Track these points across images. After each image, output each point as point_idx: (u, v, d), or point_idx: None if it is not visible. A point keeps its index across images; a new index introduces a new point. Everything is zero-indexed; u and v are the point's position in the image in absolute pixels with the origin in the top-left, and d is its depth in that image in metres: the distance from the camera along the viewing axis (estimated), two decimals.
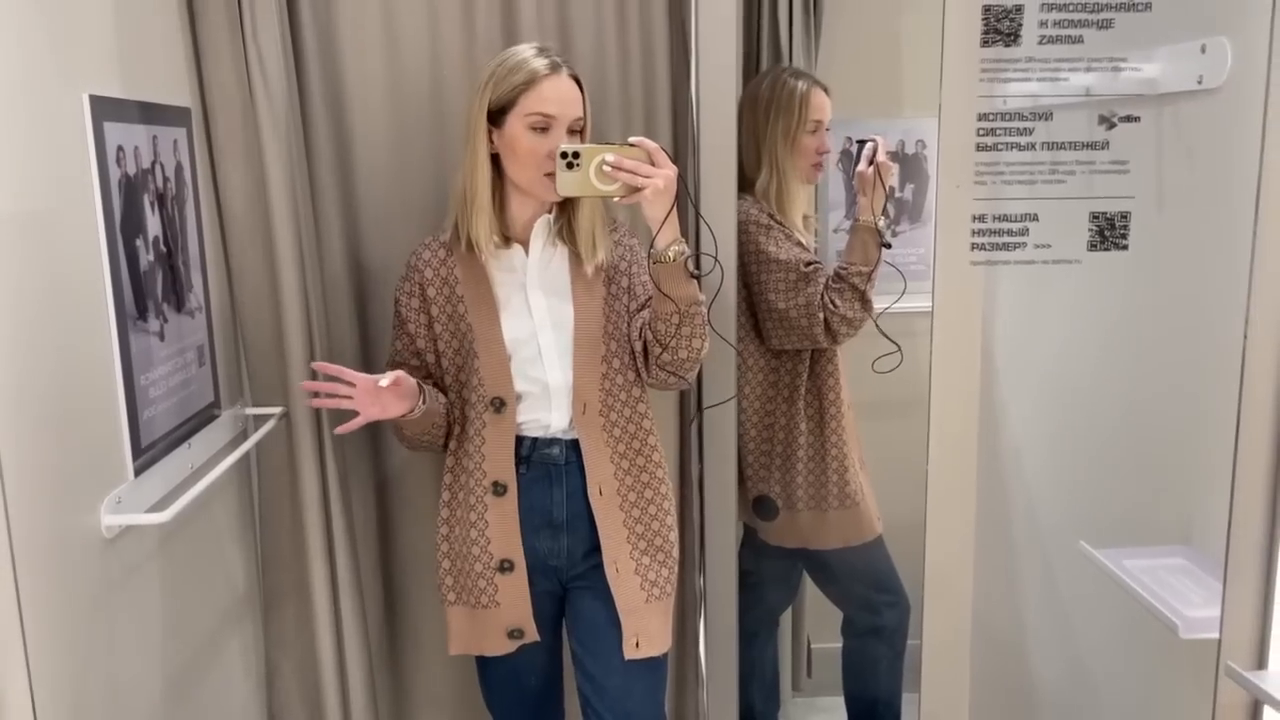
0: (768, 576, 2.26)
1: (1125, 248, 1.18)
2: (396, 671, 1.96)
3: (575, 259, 1.60)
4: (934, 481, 1.75)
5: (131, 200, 1.30)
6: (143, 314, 1.32)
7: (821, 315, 1.91)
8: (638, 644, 1.61)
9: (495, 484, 1.58)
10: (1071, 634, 1.39)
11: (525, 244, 1.59)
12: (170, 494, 1.36)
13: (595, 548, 1.61)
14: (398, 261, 1.77)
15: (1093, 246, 1.19)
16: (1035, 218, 1.23)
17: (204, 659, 1.53)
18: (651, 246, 1.48)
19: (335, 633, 1.77)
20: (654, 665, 1.67)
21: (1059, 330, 1.39)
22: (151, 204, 1.36)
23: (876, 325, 1.94)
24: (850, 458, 2.09)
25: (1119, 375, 1.26)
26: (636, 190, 1.41)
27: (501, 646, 1.62)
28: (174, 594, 1.42)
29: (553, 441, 1.61)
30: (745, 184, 2.03)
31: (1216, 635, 0.91)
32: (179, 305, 1.45)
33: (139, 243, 1.32)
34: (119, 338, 1.25)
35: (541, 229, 1.59)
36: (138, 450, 1.30)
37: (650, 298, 1.57)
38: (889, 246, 1.92)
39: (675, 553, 1.68)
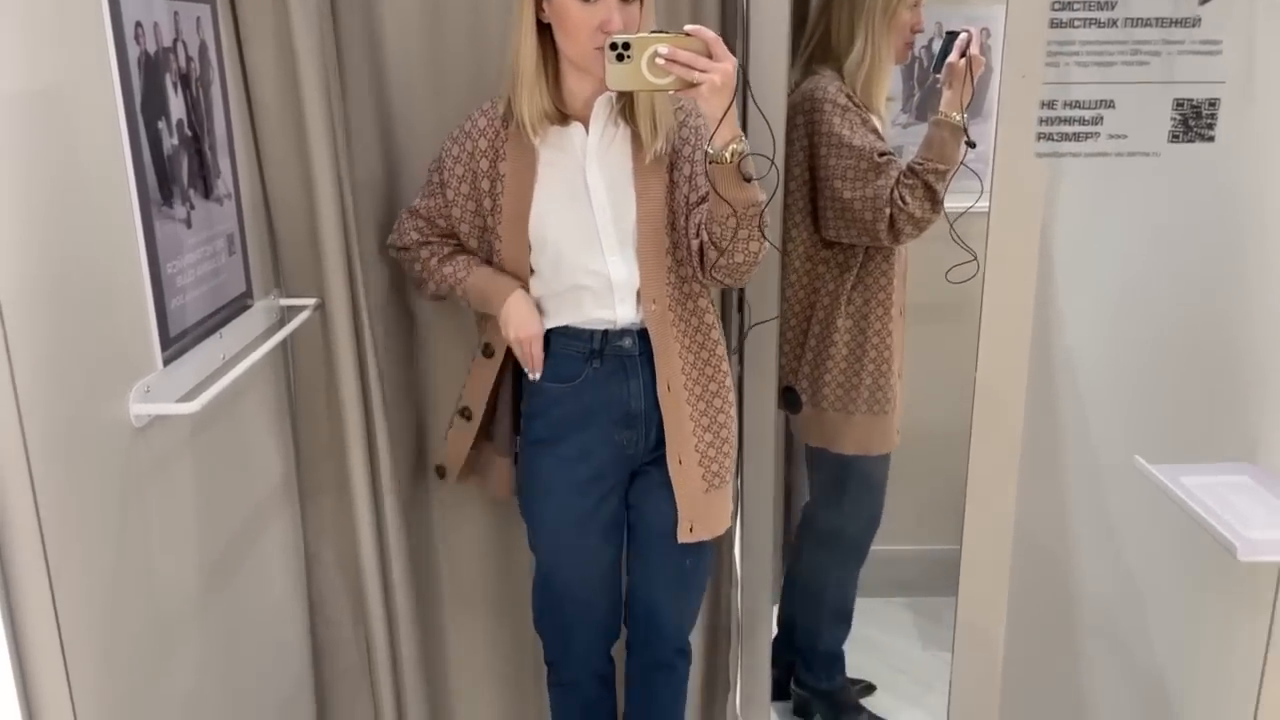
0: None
1: (1211, 139, 1.08)
2: (432, 572, 1.97)
3: (638, 141, 1.53)
4: (982, 387, 1.69)
5: (152, 80, 1.25)
6: (168, 199, 1.29)
7: (888, 211, 1.82)
8: (692, 529, 1.66)
9: (485, 346, 1.68)
10: (1119, 550, 1.34)
11: (586, 122, 1.52)
12: (201, 384, 1.35)
13: (664, 438, 1.63)
14: (429, 153, 1.71)
15: (1174, 138, 1.09)
16: (1111, 104, 1.12)
17: (241, 549, 1.54)
18: (708, 145, 1.39)
19: (376, 526, 1.78)
20: (702, 554, 1.75)
21: (1126, 231, 1.31)
22: (174, 84, 1.31)
23: (952, 231, 1.83)
24: (890, 365, 2.03)
25: (1190, 281, 1.18)
26: (692, 85, 1.32)
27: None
28: (208, 484, 1.43)
29: (624, 333, 1.59)
30: (827, 57, 1.94)
31: (1278, 559, 0.86)
32: (207, 192, 1.42)
33: (161, 125, 1.27)
34: (143, 223, 1.22)
35: (603, 107, 1.51)
36: (166, 339, 1.28)
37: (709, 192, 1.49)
38: (973, 146, 1.79)
39: (735, 439, 1.72)
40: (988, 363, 1.67)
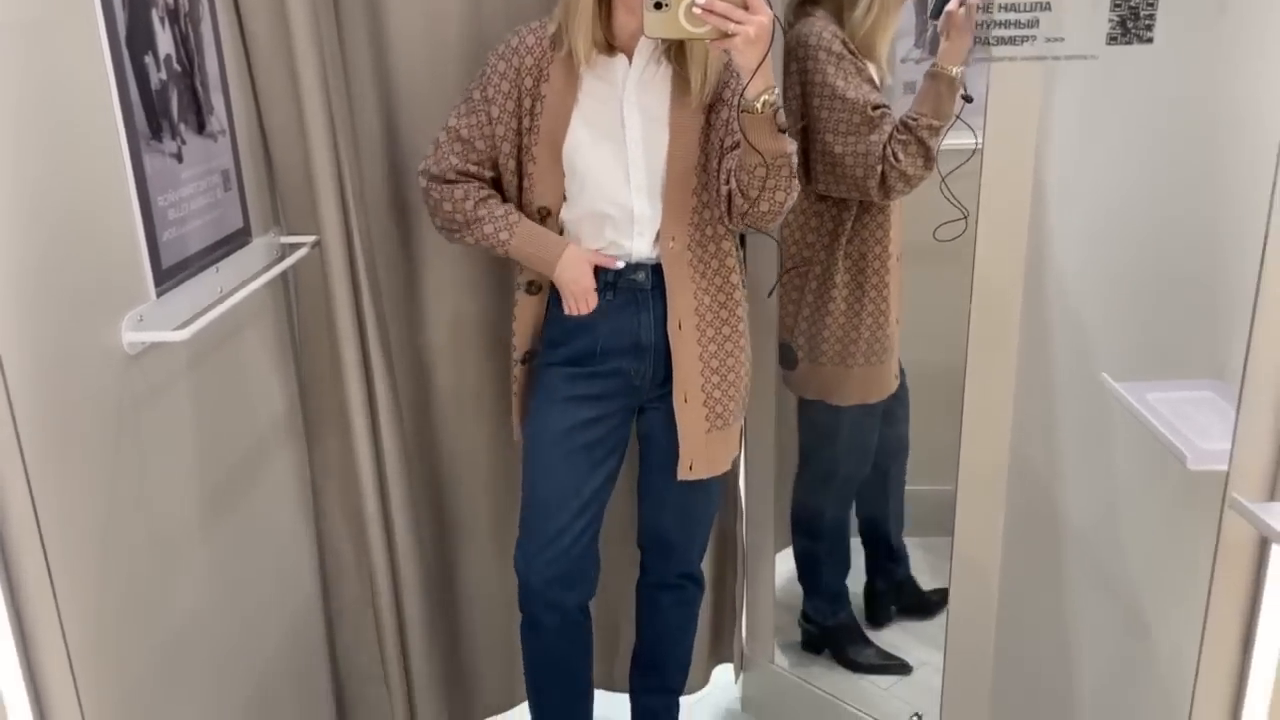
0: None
1: (1150, 40, 1.06)
2: (438, 501, 2.02)
3: (679, 81, 1.55)
4: (977, 321, 1.68)
5: (138, 15, 1.28)
6: (157, 134, 1.32)
7: (880, 168, 1.77)
8: (691, 467, 1.69)
9: (529, 284, 1.67)
10: (1102, 474, 1.34)
11: (631, 55, 1.54)
12: (197, 316, 1.39)
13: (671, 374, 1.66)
14: (427, 86, 1.73)
15: (1112, 39, 1.07)
16: (1046, 6, 1.09)
17: (244, 481, 1.59)
18: (741, 95, 1.42)
19: (375, 459, 1.82)
20: (707, 489, 1.78)
21: (1111, 140, 1.29)
22: (161, 19, 1.34)
23: (944, 186, 1.77)
24: (889, 315, 2.00)
25: (1157, 194, 1.16)
26: (727, 35, 1.34)
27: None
28: (208, 416, 1.47)
29: (638, 267, 1.61)
30: None
31: (1225, 468, 0.86)
32: (200, 127, 1.44)
33: (148, 60, 1.30)
34: (131, 156, 1.25)
35: (647, 43, 1.53)
36: (159, 271, 1.32)
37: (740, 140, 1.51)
38: (970, 100, 1.70)
39: (747, 381, 1.74)
40: (983, 297, 1.66)
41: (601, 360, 1.66)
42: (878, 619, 2.40)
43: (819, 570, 2.31)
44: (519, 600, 1.79)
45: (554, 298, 1.67)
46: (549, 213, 1.62)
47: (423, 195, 1.66)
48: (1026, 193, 1.49)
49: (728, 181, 1.55)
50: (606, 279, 1.62)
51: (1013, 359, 1.65)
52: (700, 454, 1.69)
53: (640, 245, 1.61)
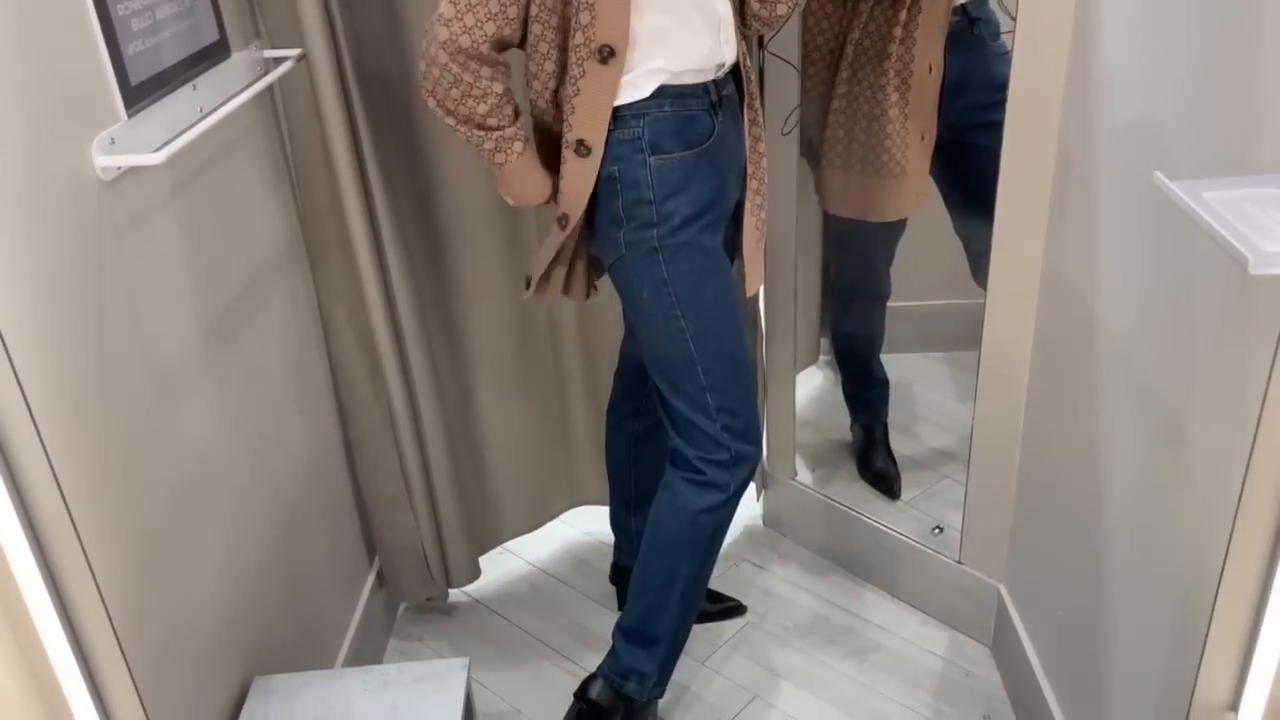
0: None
1: None
2: (451, 327, 1.97)
3: None
4: (1013, 116, 1.57)
5: None
6: None
7: None
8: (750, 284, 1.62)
9: (579, 144, 1.44)
10: (1144, 281, 1.26)
11: None
12: (176, 137, 1.30)
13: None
14: None
15: None
16: None
17: (247, 310, 1.54)
18: None
19: (382, 285, 1.76)
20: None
21: None
22: None
23: None
24: (883, 124, 1.92)
25: None
26: None
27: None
28: (199, 244, 1.40)
29: (727, 79, 1.51)
30: None
31: None
32: None
33: None
34: None
35: None
36: (127, 89, 1.22)
37: None
38: None
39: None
40: (1021, 86, 1.54)
41: (723, 197, 1.51)
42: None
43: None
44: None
45: (655, 140, 1.44)
46: (612, 52, 1.37)
47: (432, 68, 1.37)
48: None
49: None
50: (710, 98, 1.46)
51: (1050, 158, 1.55)
52: (754, 266, 1.61)
53: (729, 50, 1.47)
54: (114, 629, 1.14)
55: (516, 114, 1.44)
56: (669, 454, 1.63)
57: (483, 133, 1.42)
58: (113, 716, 1.16)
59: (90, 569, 1.11)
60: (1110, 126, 1.34)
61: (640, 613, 1.68)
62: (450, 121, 1.42)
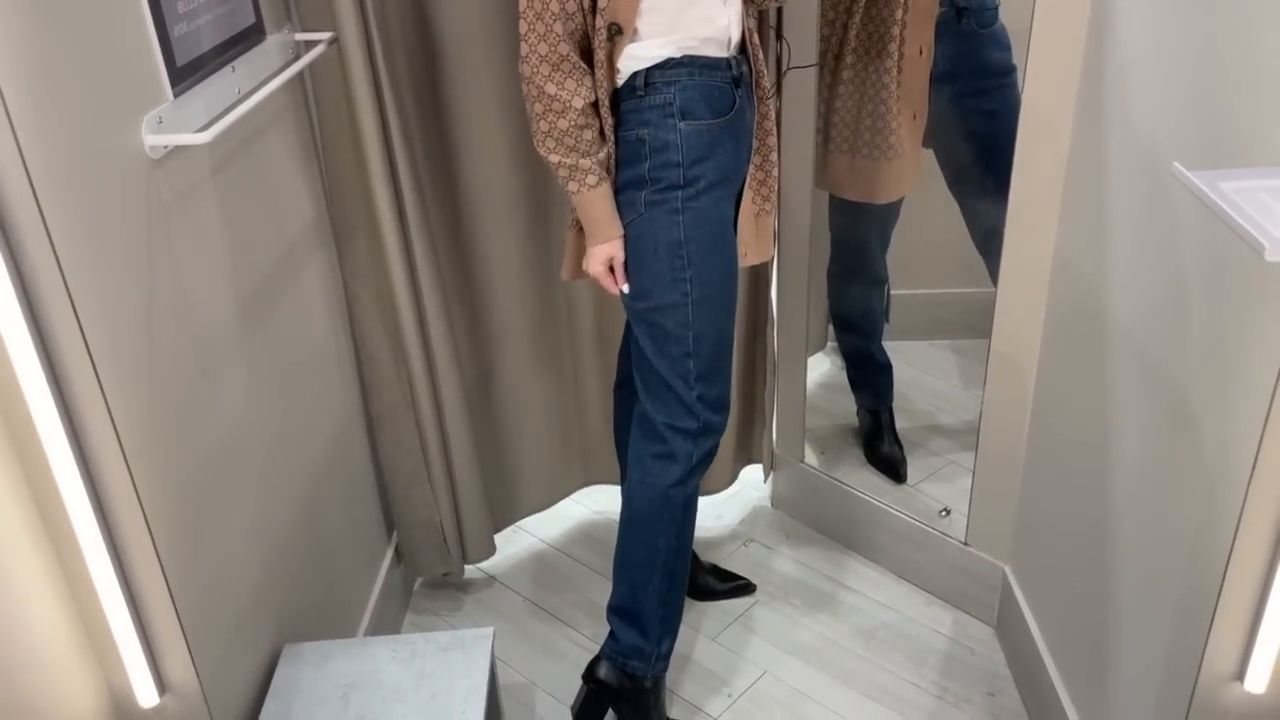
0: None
1: None
2: (472, 303, 2.01)
3: None
4: (1028, 105, 1.60)
5: None
6: None
7: None
8: (745, 254, 1.66)
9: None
10: (1155, 269, 1.30)
11: None
12: (216, 118, 1.33)
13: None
14: None
15: None
16: None
17: (278, 286, 1.58)
18: None
19: (407, 264, 1.80)
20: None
21: None
22: None
23: None
24: (888, 106, 1.96)
25: None
26: None
27: None
28: (236, 222, 1.44)
29: (742, 59, 1.56)
30: None
31: None
32: None
33: None
34: None
35: None
36: (174, 70, 1.25)
37: None
38: None
39: (779, 169, 1.71)
40: (1037, 74, 1.58)
41: (738, 169, 1.58)
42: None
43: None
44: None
45: (685, 105, 1.48)
46: (619, 31, 1.44)
47: (528, 103, 1.46)
48: None
49: None
50: (733, 73, 1.53)
51: (1064, 147, 1.58)
52: (751, 239, 1.66)
53: (736, 29, 1.53)
54: (170, 591, 1.19)
55: (598, 140, 1.48)
56: (638, 419, 1.67)
57: (576, 161, 1.46)
58: (166, 679, 1.20)
59: (149, 529, 1.15)
60: (1123, 117, 1.38)
61: (626, 591, 1.72)
62: (553, 160, 1.47)
